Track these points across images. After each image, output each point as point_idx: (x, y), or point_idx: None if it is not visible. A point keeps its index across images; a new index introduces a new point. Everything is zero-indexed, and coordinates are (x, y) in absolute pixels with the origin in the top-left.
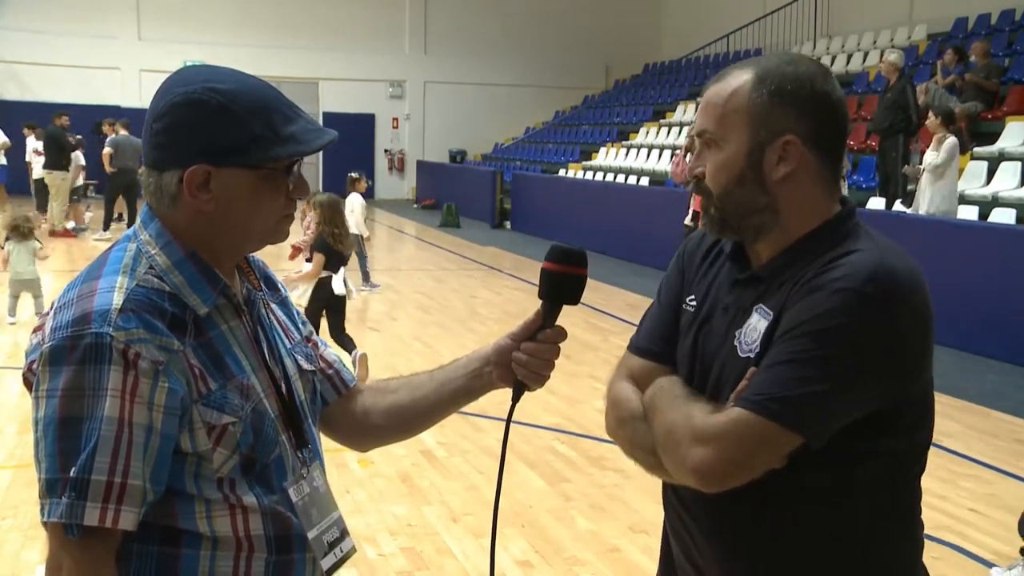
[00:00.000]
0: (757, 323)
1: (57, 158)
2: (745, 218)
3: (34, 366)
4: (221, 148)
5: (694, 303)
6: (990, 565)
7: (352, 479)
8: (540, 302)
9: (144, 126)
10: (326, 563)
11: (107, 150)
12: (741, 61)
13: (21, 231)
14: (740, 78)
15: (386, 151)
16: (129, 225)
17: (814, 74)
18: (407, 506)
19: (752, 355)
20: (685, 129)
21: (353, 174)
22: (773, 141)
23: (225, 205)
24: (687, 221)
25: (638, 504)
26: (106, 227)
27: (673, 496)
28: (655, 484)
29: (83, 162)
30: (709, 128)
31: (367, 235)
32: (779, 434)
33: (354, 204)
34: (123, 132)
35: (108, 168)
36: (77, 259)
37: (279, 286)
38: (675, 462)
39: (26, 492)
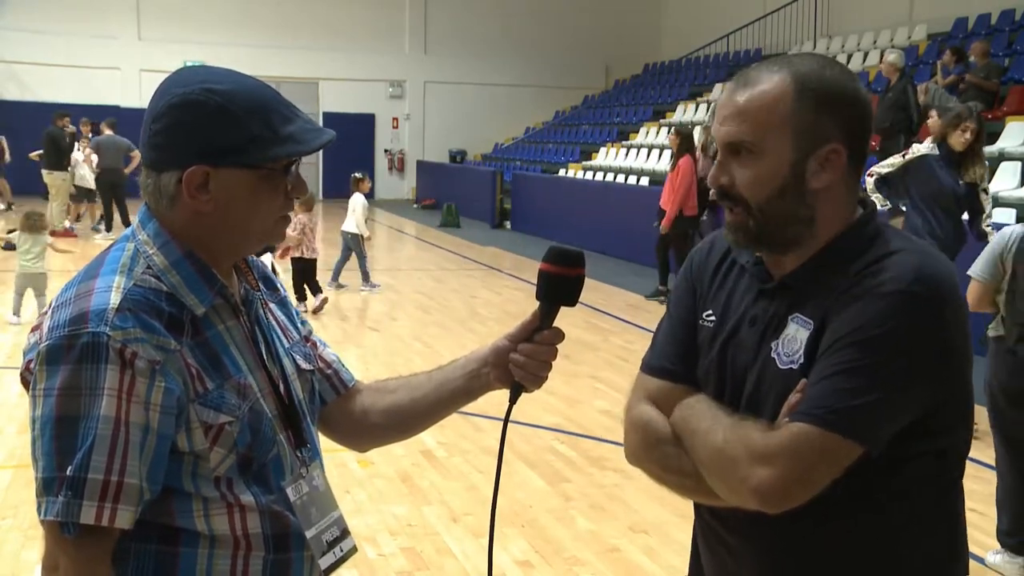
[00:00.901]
0: (796, 333)
1: (57, 159)
2: (783, 229)
3: (31, 365)
4: (219, 148)
5: (713, 318)
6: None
7: (352, 479)
8: (538, 303)
9: (142, 127)
10: (325, 562)
11: (88, 151)
12: (766, 62)
13: (34, 224)
14: (778, 83)
15: (386, 151)
16: (123, 223)
17: (847, 77)
18: (407, 506)
19: (795, 366)
20: None
21: (357, 174)
22: (817, 150)
23: (224, 205)
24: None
25: (638, 504)
26: (108, 227)
27: (707, 512)
28: (655, 485)
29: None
30: (747, 137)
31: (367, 235)
32: (841, 446)
33: (356, 204)
34: (108, 132)
35: (92, 169)
36: (77, 259)
37: (278, 286)
38: (731, 484)
39: (26, 492)
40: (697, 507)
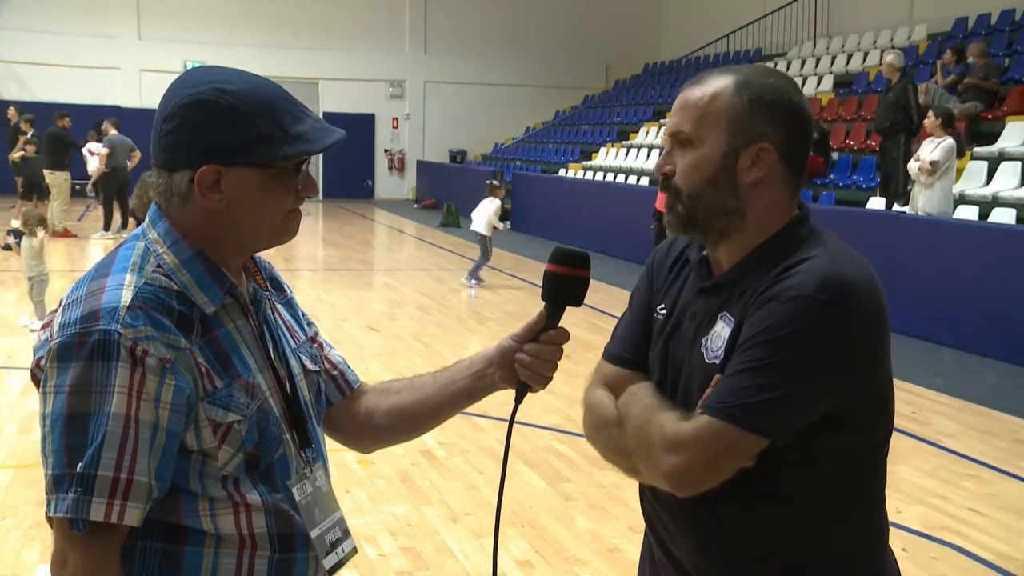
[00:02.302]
0: (722, 330)
1: (58, 158)
2: (712, 218)
3: (42, 362)
4: (231, 148)
5: (664, 311)
6: (990, 565)
7: (352, 479)
8: (542, 303)
9: (153, 127)
10: (328, 562)
11: (104, 150)
12: (719, 68)
13: (27, 227)
14: (721, 82)
15: (386, 151)
16: (123, 225)
17: (790, 87)
18: (407, 506)
19: (717, 361)
20: None
21: (493, 182)
22: (748, 146)
23: (234, 204)
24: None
25: (638, 504)
26: (107, 227)
27: (649, 493)
28: None
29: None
30: (686, 128)
31: (492, 232)
32: (744, 438)
33: (487, 208)
34: (113, 131)
35: (102, 167)
36: (77, 259)
37: (285, 287)
38: (648, 469)
39: (26, 492)
40: (641, 488)
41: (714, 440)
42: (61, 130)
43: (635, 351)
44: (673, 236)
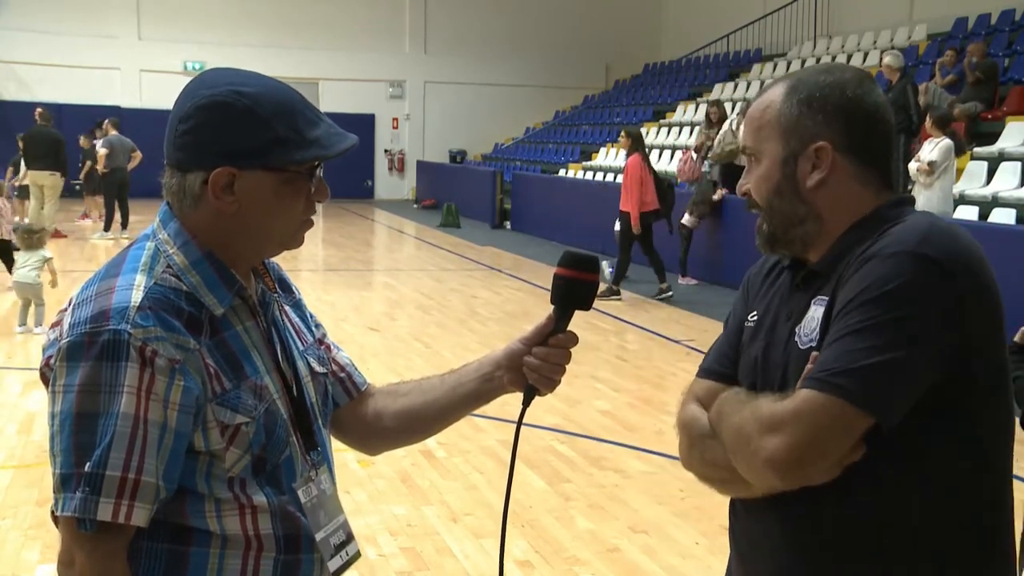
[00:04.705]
0: (815, 313)
1: (54, 159)
2: (789, 230)
3: (51, 361)
4: (245, 150)
5: (755, 318)
6: None
7: (352, 479)
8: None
9: (168, 127)
10: (333, 565)
11: (103, 150)
12: (779, 77)
13: (32, 242)
14: (774, 91)
15: (386, 151)
16: (123, 226)
17: (846, 80)
18: (407, 506)
19: (814, 344)
20: (685, 129)
21: None
22: (805, 149)
23: (247, 207)
24: (683, 220)
25: (638, 504)
26: (107, 227)
27: (741, 507)
28: (655, 484)
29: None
30: (749, 143)
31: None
32: (847, 411)
33: None
34: (113, 132)
35: (101, 168)
36: (77, 259)
37: (293, 289)
38: (748, 459)
39: (26, 492)
40: (732, 504)
41: (816, 415)
42: (55, 130)
43: (727, 364)
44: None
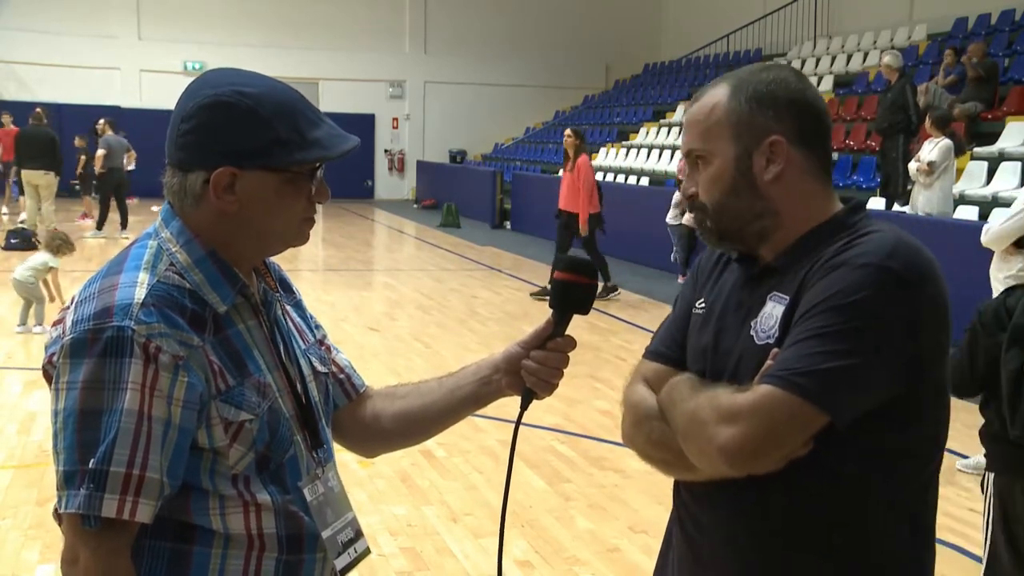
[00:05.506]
0: (772, 310)
1: (51, 159)
2: (745, 227)
3: (54, 358)
4: (247, 150)
5: (703, 305)
6: None
7: (352, 479)
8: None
9: (170, 126)
10: (340, 562)
11: (100, 150)
12: (714, 79)
13: (54, 247)
14: (716, 92)
15: (386, 151)
16: (123, 226)
17: (786, 76)
18: (407, 506)
19: (771, 340)
20: None
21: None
22: (759, 144)
23: (248, 207)
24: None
25: (638, 504)
26: (100, 227)
27: (684, 491)
28: (655, 484)
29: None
30: (695, 146)
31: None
32: (805, 409)
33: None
34: (110, 131)
35: (99, 168)
36: (76, 259)
37: (293, 289)
38: (700, 445)
39: (26, 492)
40: (676, 487)
41: (774, 410)
42: (49, 129)
43: (676, 348)
44: None
